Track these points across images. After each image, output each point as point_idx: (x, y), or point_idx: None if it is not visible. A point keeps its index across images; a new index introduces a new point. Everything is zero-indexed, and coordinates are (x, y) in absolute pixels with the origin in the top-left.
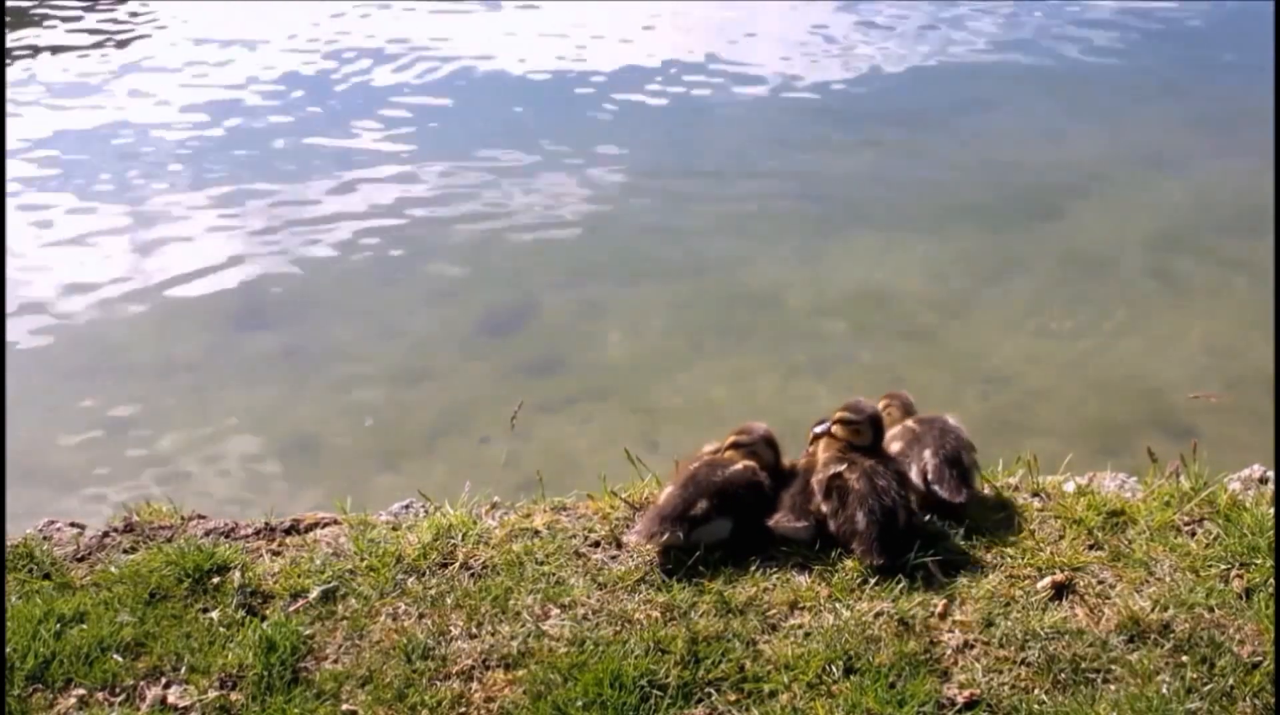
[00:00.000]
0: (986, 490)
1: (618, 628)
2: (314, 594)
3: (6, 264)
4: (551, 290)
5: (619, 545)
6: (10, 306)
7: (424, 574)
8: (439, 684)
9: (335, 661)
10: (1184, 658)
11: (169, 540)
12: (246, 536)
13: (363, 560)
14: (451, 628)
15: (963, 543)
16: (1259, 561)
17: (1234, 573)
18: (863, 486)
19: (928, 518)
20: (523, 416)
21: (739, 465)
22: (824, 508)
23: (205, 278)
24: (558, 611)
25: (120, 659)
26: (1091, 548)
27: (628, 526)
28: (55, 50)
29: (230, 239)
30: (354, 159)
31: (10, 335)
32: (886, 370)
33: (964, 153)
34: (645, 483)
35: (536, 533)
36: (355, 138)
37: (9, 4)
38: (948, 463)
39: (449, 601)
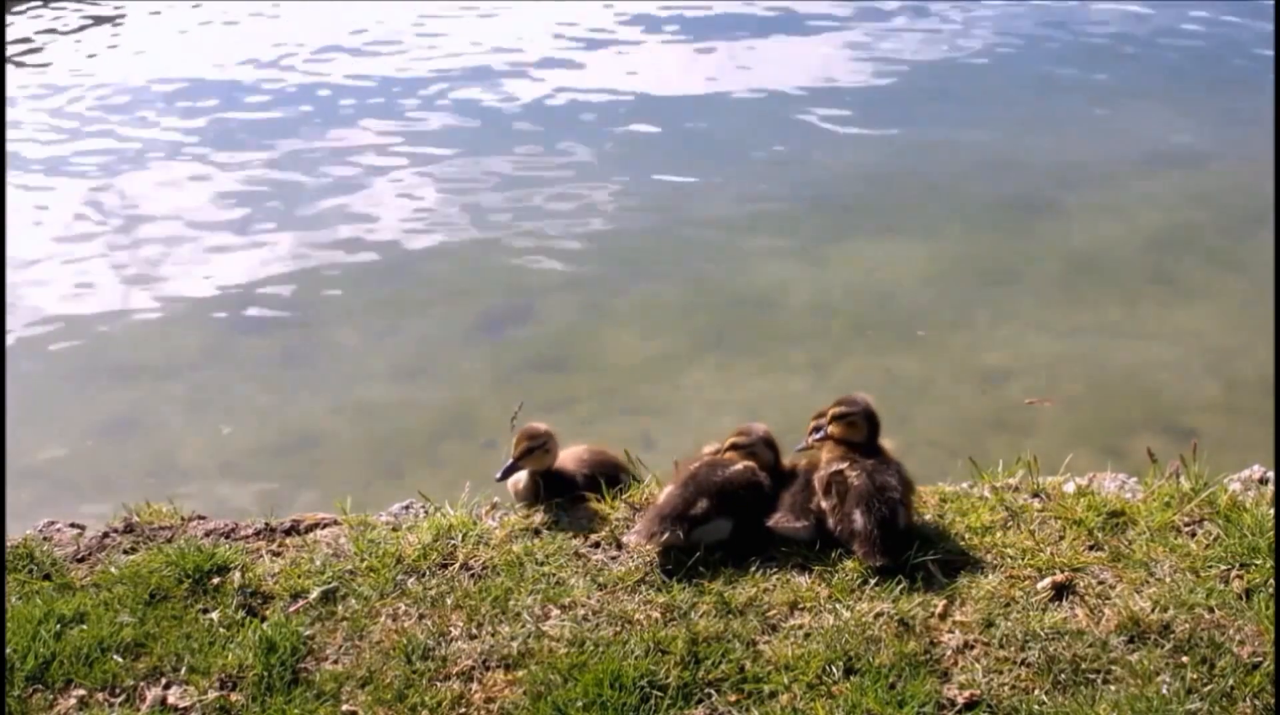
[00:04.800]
0: (987, 491)
1: (618, 628)
2: (314, 594)
3: (6, 264)
4: (552, 291)
5: (619, 546)
6: (10, 306)
7: (424, 575)
8: (439, 684)
9: (335, 662)
10: (1184, 658)
11: (169, 541)
12: (246, 537)
13: (363, 561)
14: (451, 628)
15: (962, 543)
16: (1259, 562)
17: (1234, 573)
18: (863, 484)
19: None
20: (523, 417)
21: (739, 465)
22: (824, 504)
23: (206, 277)
24: (558, 612)
25: (120, 660)
26: (1092, 548)
27: (628, 527)
28: (53, 36)
29: (231, 239)
30: (355, 158)
31: (10, 335)
32: (887, 371)
33: (963, 152)
34: (645, 483)
35: (536, 533)
36: (357, 137)
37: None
38: None
39: (449, 602)
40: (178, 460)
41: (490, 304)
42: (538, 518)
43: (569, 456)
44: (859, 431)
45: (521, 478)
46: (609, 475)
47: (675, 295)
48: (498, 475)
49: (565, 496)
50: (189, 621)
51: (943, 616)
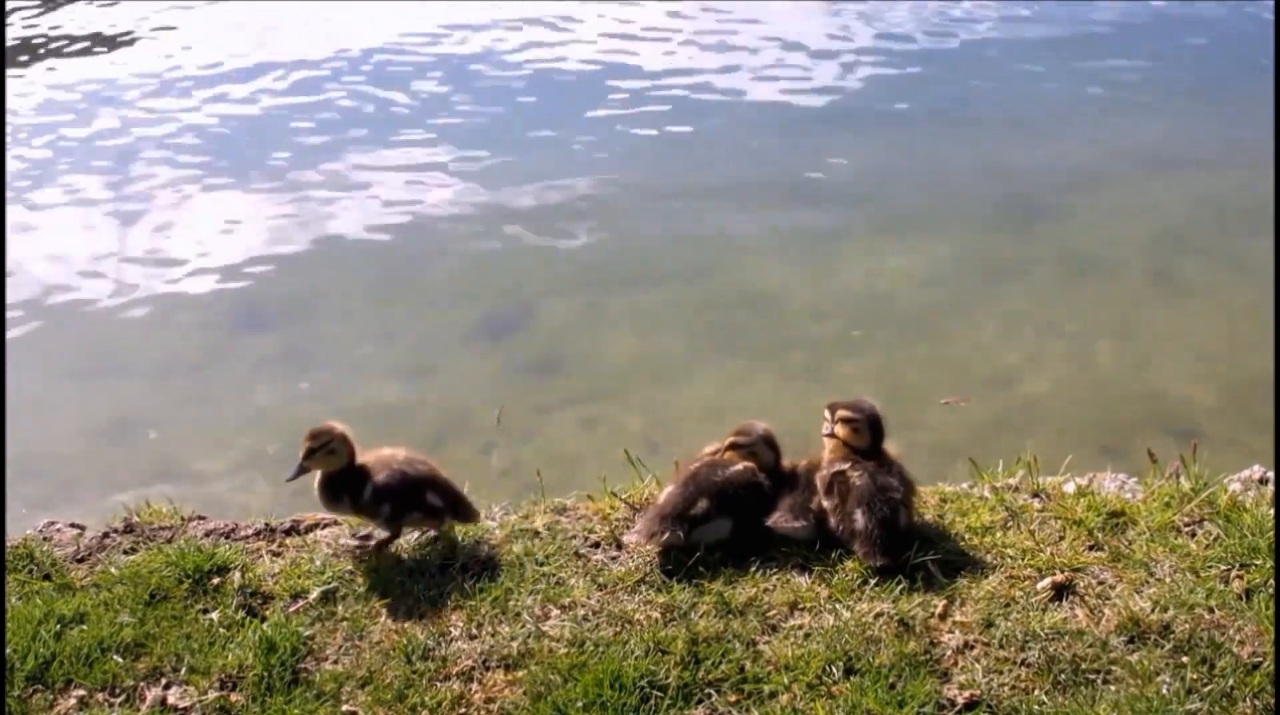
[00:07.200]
0: (987, 491)
1: (618, 628)
2: (314, 595)
3: (7, 263)
4: (552, 292)
5: (619, 546)
6: (11, 305)
7: (424, 575)
8: (439, 685)
9: (335, 662)
10: (1184, 658)
11: (169, 541)
12: (246, 537)
13: (363, 561)
14: (451, 629)
15: (962, 543)
16: (1259, 562)
17: (1234, 573)
18: (865, 485)
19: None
20: (523, 418)
21: (739, 465)
22: (825, 504)
23: (206, 278)
24: (558, 612)
25: (120, 660)
26: (1092, 548)
27: (628, 527)
28: (59, 38)
29: (231, 239)
30: (355, 159)
31: (10, 334)
32: (886, 372)
33: (964, 153)
34: (645, 484)
35: (536, 534)
36: (356, 138)
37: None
38: None
39: (449, 602)
40: (178, 460)
41: (490, 305)
42: (537, 519)
43: (379, 461)
44: (861, 438)
45: (316, 479)
46: (410, 490)
47: (675, 296)
48: (288, 476)
49: (366, 504)
50: (189, 622)
51: (943, 616)
